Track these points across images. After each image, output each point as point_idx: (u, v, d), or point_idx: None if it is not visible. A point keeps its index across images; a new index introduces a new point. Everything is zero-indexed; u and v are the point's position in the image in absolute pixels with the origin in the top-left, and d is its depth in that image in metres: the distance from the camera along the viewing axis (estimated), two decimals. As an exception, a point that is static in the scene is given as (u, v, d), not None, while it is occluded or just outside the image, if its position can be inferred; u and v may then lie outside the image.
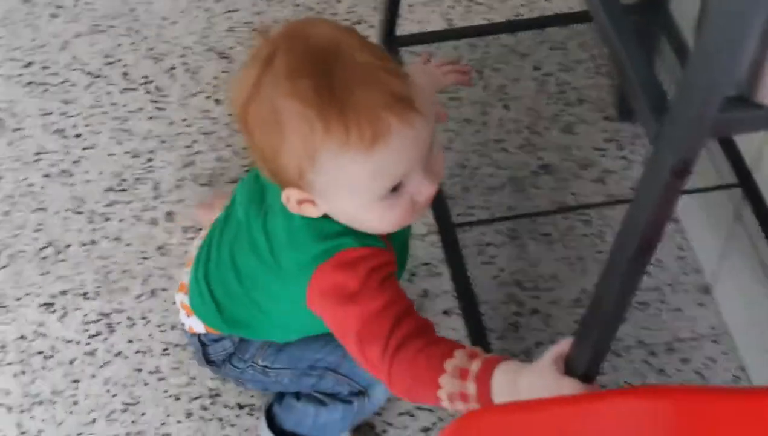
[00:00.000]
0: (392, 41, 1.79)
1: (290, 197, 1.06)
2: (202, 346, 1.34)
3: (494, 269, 1.67)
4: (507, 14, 2.06)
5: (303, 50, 0.99)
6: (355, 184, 1.01)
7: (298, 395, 1.41)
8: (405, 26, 2.01)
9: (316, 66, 0.98)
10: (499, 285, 1.65)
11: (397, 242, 1.17)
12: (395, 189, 1.02)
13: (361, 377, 1.33)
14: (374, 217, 1.05)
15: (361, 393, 1.36)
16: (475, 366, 0.99)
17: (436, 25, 2.05)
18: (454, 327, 1.60)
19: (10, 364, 1.60)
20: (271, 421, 1.45)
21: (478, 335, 1.49)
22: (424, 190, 1.04)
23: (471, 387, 0.98)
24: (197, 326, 1.32)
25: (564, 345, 0.97)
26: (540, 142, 1.84)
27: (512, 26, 2.00)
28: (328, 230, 1.08)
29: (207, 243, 1.28)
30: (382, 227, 1.08)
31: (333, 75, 0.97)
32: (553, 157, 1.82)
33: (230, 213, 1.24)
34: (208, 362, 1.36)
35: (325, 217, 1.08)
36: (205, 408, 1.54)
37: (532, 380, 0.95)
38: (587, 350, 0.91)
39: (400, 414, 1.52)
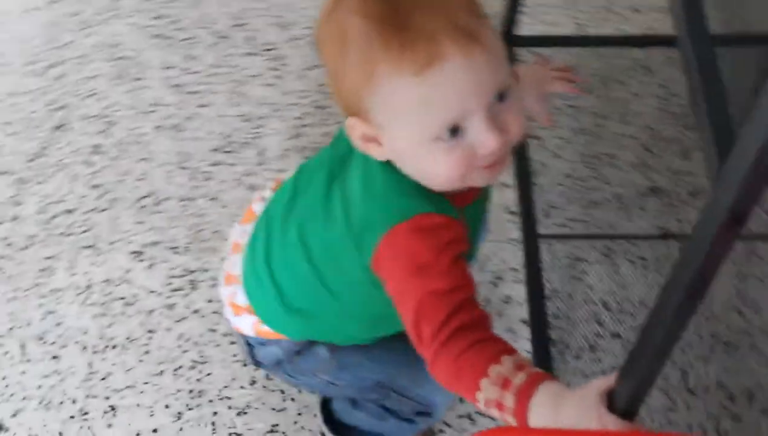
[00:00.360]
0: (511, 39, 1.75)
1: (355, 127, 1.03)
2: (249, 347, 1.30)
3: (583, 285, 1.63)
4: (640, 27, 2.00)
5: None
6: (408, 113, 0.97)
7: (355, 402, 1.39)
8: (534, 26, 1.97)
9: None
10: (585, 302, 1.61)
11: (471, 220, 1.12)
12: (455, 133, 0.98)
13: (428, 400, 1.29)
14: (432, 161, 1.00)
15: (426, 414, 1.32)
16: (519, 379, 0.95)
17: (567, 29, 2.00)
18: (529, 337, 1.56)
19: (92, 305, 1.63)
20: (329, 415, 1.44)
21: (542, 350, 1.46)
22: (485, 140, 0.97)
23: (509, 399, 0.95)
24: (246, 326, 1.26)
25: (614, 379, 0.93)
26: (653, 162, 1.78)
27: (643, 41, 1.94)
28: (405, 184, 1.04)
29: (263, 229, 1.24)
30: (444, 176, 1.01)
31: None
32: (665, 180, 1.75)
33: (296, 194, 1.21)
34: (256, 363, 1.32)
35: (400, 173, 1.05)
36: (269, 378, 1.54)
37: (573, 409, 0.91)
38: (630, 385, 0.87)
39: (460, 417, 1.49)
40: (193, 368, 1.56)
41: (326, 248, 1.15)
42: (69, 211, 1.74)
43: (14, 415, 1.53)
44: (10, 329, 1.61)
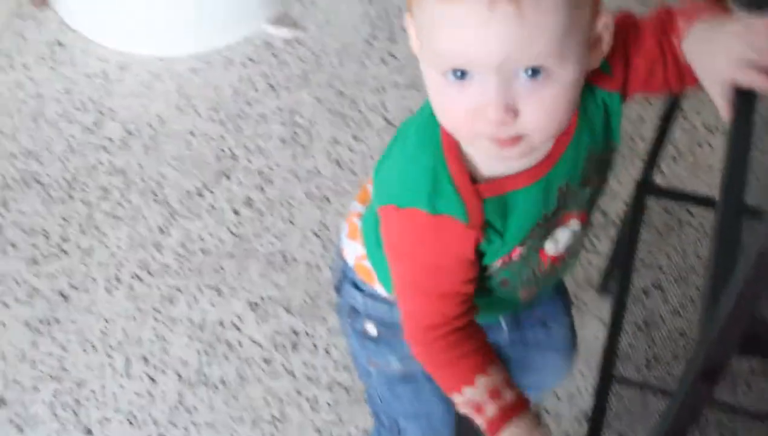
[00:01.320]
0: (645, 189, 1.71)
1: (409, 27, 0.98)
2: (343, 277, 1.26)
3: None
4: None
5: None
6: (427, 35, 0.92)
7: None
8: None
9: None
10: (661, 461, 1.58)
11: (518, 206, 1.00)
12: (462, 77, 0.90)
13: None
14: (440, 96, 0.94)
15: None
16: (509, 395, 1.03)
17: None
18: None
19: (200, 341, 1.74)
20: None
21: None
22: (485, 105, 0.89)
23: (492, 409, 1.02)
24: (350, 254, 1.22)
25: None
26: None
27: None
28: (428, 159, 0.98)
29: None
30: (446, 119, 0.95)
31: None
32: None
33: None
34: (337, 290, 1.29)
35: (431, 141, 1.00)
36: (338, 453, 1.60)
37: None
38: None
39: None
40: (271, 422, 1.64)
41: None
42: (205, 252, 1.87)
43: (101, 422, 1.64)
44: (120, 343, 1.74)
